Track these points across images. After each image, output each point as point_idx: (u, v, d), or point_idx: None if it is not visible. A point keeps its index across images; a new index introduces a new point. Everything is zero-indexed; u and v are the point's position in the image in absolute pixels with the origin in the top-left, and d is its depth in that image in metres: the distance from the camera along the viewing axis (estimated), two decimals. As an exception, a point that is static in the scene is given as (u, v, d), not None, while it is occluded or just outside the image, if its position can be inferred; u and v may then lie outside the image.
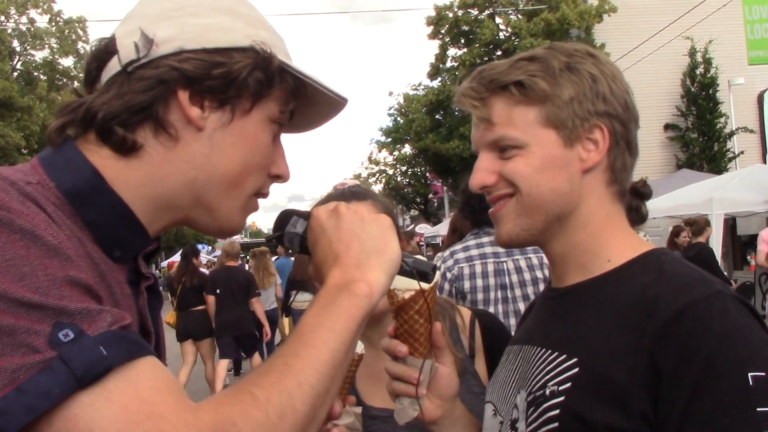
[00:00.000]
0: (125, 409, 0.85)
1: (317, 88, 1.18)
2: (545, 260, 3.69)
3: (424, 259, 1.29)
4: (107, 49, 1.11)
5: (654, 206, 13.81)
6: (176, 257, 32.55)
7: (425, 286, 1.32)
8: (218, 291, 10.02)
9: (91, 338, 0.87)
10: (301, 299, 10.67)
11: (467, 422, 1.50)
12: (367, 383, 1.82)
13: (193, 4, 1.12)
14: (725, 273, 12.01)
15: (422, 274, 1.28)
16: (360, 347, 1.53)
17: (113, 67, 1.09)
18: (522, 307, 3.92)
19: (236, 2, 1.17)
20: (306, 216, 1.27)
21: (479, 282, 3.92)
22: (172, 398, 0.90)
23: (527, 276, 3.91)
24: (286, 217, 1.30)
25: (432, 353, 1.40)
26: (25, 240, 0.89)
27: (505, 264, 3.89)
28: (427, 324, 1.36)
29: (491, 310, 3.94)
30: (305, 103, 1.21)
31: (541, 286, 3.93)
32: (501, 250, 3.80)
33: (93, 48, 1.14)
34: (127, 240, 1.08)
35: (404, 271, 1.24)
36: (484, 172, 1.34)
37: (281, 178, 1.22)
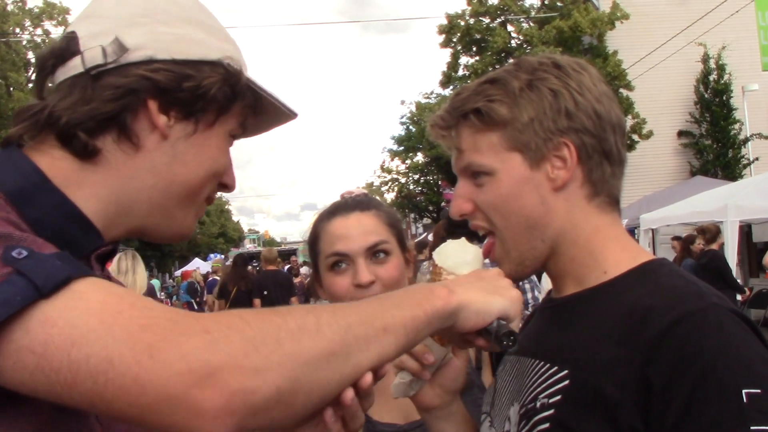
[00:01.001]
0: (104, 303, 0.84)
1: (271, 101, 1.21)
2: None
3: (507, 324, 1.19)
4: (69, 48, 1.08)
5: (668, 214, 13.72)
6: (191, 266, 32.61)
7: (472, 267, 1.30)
8: (265, 293, 10.80)
9: (45, 254, 0.86)
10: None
11: (463, 422, 1.48)
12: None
13: (162, 11, 1.12)
14: (740, 280, 11.90)
15: (498, 339, 1.15)
16: None
17: (74, 67, 1.07)
18: None
19: (202, 13, 1.17)
20: None
21: None
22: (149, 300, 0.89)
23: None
24: None
25: (450, 345, 1.38)
26: None
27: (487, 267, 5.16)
28: None
29: None
30: (261, 110, 1.24)
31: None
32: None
33: (53, 44, 1.11)
34: (74, 239, 1.04)
35: (487, 329, 1.15)
36: (461, 200, 1.34)
37: (228, 187, 1.22)
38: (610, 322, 1.18)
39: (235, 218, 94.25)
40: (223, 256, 47.84)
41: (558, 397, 1.18)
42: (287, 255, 31.28)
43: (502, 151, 1.28)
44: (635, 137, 25.08)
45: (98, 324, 0.81)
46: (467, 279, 1.16)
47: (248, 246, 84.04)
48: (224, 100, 1.13)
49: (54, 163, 1.05)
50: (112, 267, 7.03)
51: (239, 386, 0.82)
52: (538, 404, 1.21)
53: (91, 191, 1.07)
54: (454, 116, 1.32)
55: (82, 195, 1.06)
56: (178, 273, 36.52)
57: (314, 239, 1.86)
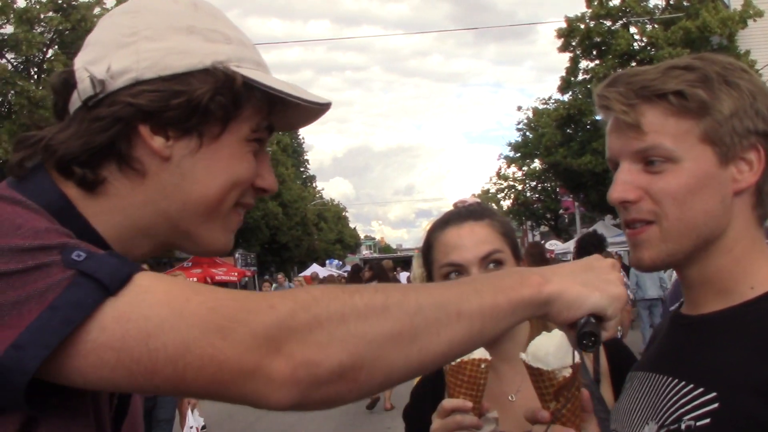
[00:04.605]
0: (169, 293, 0.88)
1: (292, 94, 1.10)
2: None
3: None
4: (67, 82, 1.07)
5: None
6: (308, 272, 33.50)
7: (575, 359, 1.27)
8: None
9: (102, 254, 0.89)
10: None
11: None
12: (492, 408, 1.78)
13: (148, 26, 1.06)
14: None
15: (579, 336, 1.07)
16: (485, 353, 1.51)
17: (75, 100, 1.05)
18: None
19: (195, 16, 1.09)
20: None
21: None
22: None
23: None
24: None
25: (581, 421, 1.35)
26: (10, 203, 0.93)
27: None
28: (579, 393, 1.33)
29: None
30: (285, 106, 1.13)
31: None
32: None
33: (54, 81, 1.10)
34: None
35: (576, 324, 1.07)
36: (627, 186, 1.24)
37: (267, 191, 1.16)
38: (762, 343, 1.13)
39: (351, 225, 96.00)
40: (340, 262, 48.78)
41: (706, 420, 1.13)
42: (404, 262, 31.47)
43: (693, 141, 1.21)
44: (770, 142, 23.65)
45: (169, 313, 0.86)
46: (570, 268, 1.08)
47: (364, 252, 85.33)
48: (222, 108, 1.05)
49: (69, 192, 1.04)
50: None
51: (303, 358, 0.86)
52: (683, 426, 1.16)
53: (105, 219, 1.05)
54: (642, 94, 1.23)
55: (97, 222, 1.04)
56: (299, 278, 37.63)
57: (428, 249, 1.87)
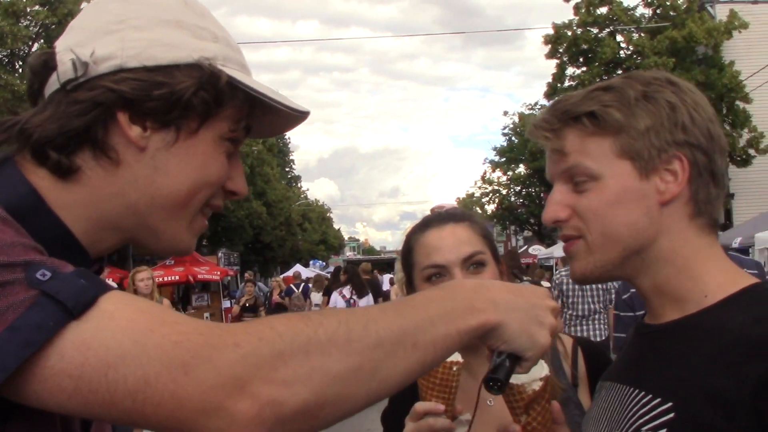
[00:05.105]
0: (133, 322, 0.85)
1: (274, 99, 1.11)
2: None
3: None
4: (47, 64, 1.05)
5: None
6: (290, 272, 33.43)
7: (544, 371, 1.30)
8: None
9: (68, 274, 0.86)
10: None
11: None
12: (466, 410, 1.78)
13: (137, 15, 1.06)
14: None
15: (487, 376, 1.13)
16: (457, 355, 1.51)
17: (53, 83, 1.04)
18: (593, 304, 8.06)
19: (185, 11, 1.10)
20: None
21: (572, 286, 8.04)
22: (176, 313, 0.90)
23: (600, 285, 7.91)
24: None
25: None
26: None
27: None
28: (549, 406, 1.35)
29: (579, 303, 8.08)
30: (264, 111, 1.13)
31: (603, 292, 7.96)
32: None
33: (32, 62, 1.08)
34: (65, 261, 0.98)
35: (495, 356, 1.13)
36: (557, 206, 1.30)
37: (237, 194, 1.15)
38: (716, 351, 1.14)
39: (335, 226, 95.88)
40: (324, 263, 48.69)
41: (663, 431, 1.15)
42: (387, 264, 31.44)
43: (611, 157, 1.25)
44: (752, 152, 23.91)
45: (132, 344, 0.83)
46: (516, 302, 1.07)
47: (348, 253, 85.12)
48: (203, 105, 1.05)
49: (41, 183, 1.01)
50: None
51: (269, 398, 0.85)
52: None
53: (75, 211, 1.03)
54: (562, 119, 1.29)
55: (67, 215, 1.02)
56: (276, 279, 37.51)
57: (407, 252, 1.87)
